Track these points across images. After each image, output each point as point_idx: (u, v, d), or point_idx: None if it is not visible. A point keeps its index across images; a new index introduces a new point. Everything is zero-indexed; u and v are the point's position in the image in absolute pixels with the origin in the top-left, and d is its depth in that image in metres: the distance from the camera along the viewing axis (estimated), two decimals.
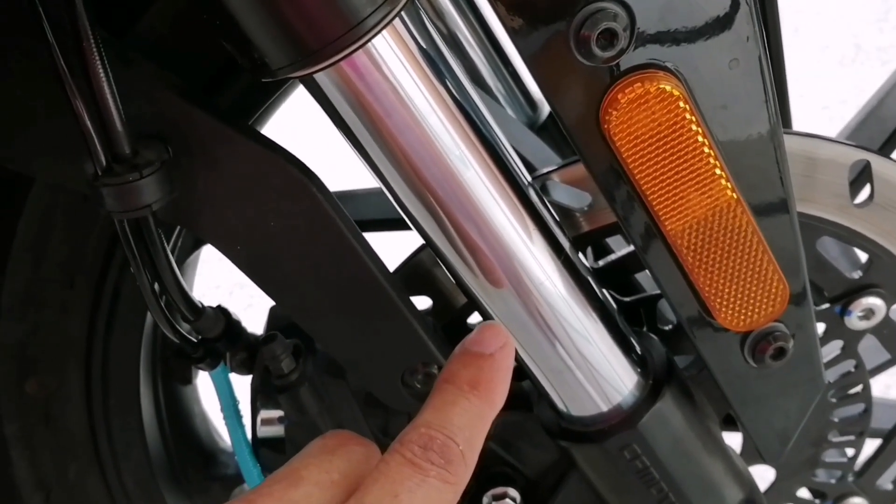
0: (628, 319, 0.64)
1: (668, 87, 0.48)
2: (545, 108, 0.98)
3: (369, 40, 0.44)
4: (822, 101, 2.01)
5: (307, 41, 0.42)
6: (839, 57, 2.12)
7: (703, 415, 0.64)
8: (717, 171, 0.51)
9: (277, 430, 0.67)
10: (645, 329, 0.68)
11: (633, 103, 0.48)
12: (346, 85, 0.47)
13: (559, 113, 0.50)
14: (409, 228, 0.56)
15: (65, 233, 0.63)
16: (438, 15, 0.97)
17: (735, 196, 0.52)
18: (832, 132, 2.02)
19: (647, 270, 0.58)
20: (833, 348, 0.71)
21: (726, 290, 0.55)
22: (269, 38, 0.43)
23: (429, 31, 0.50)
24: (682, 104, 0.48)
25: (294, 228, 0.54)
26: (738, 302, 0.56)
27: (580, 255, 0.60)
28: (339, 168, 0.85)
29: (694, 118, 0.49)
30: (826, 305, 0.68)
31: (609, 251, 0.70)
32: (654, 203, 0.51)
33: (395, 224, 0.69)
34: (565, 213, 0.62)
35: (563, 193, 0.63)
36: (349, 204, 0.57)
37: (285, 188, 0.53)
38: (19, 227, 0.61)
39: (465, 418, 0.44)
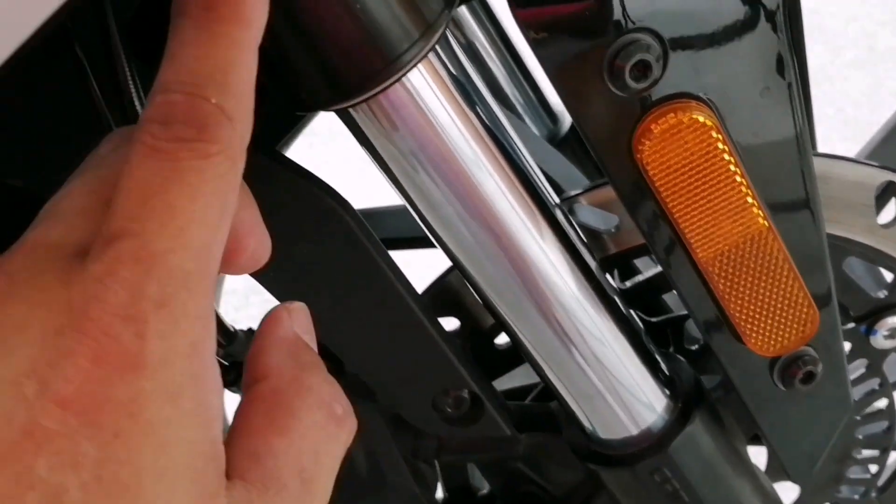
0: (655, 340, 0.64)
1: (701, 118, 0.48)
2: (566, 121, 0.98)
3: (405, 74, 0.44)
4: (837, 104, 2.00)
5: (344, 76, 0.43)
6: (853, 58, 2.12)
7: (732, 436, 0.64)
8: (749, 200, 0.51)
9: None
10: (672, 349, 0.68)
11: (666, 133, 0.48)
12: (379, 116, 0.47)
13: (590, 141, 0.50)
14: (433, 246, 0.56)
15: None
16: (456, 24, 0.97)
17: (766, 224, 0.52)
18: (846, 134, 2.01)
19: (674, 291, 0.58)
20: (858, 367, 0.72)
21: (757, 317, 0.55)
22: (305, 72, 0.43)
23: (458, 56, 0.50)
24: (714, 134, 0.48)
25: (326, 254, 0.54)
26: (769, 328, 0.56)
27: (608, 276, 0.60)
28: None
29: (726, 147, 0.49)
30: (852, 325, 0.68)
31: (636, 271, 0.70)
32: (686, 231, 0.51)
33: (419, 242, 0.69)
34: (593, 235, 0.62)
35: (591, 215, 0.63)
36: (372, 221, 0.57)
37: (318, 215, 0.53)
38: None
39: (212, 57, 0.32)
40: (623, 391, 0.60)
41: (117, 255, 0.30)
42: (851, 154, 0.70)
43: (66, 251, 0.32)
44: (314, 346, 0.41)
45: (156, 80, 0.32)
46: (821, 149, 0.72)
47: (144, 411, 0.30)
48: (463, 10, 0.96)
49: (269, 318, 0.39)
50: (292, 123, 0.63)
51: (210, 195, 0.32)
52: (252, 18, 0.33)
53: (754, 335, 0.56)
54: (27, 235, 0.33)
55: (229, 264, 0.35)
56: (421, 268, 0.70)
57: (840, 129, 1.94)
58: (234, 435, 0.36)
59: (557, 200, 0.57)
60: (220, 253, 0.33)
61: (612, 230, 0.63)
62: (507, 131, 0.53)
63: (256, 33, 0.33)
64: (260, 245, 0.38)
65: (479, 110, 0.50)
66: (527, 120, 0.96)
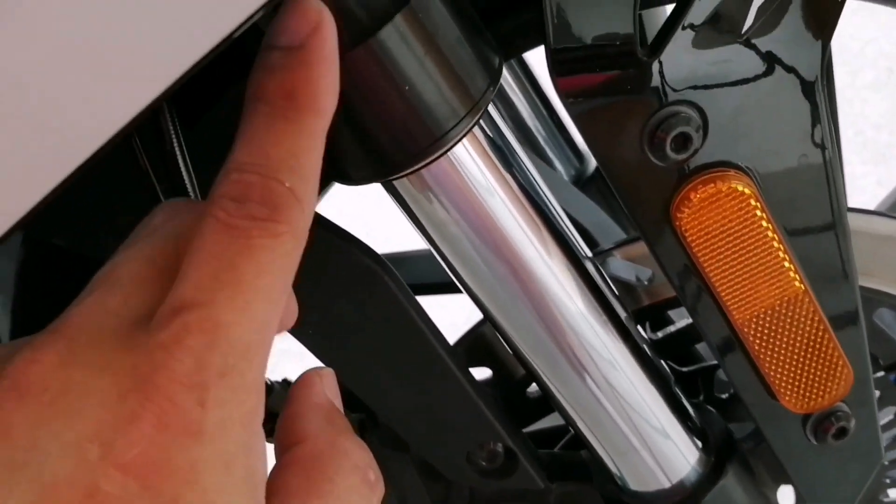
0: (686, 389, 0.64)
1: (739, 187, 0.48)
2: (592, 160, 0.98)
3: (450, 149, 0.45)
4: (856, 127, 2.00)
5: (391, 153, 0.43)
6: (872, 81, 2.12)
7: (763, 486, 0.65)
8: (786, 264, 0.51)
9: None
10: (702, 398, 0.69)
11: (706, 202, 0.49)
12: (422, 187, 0.48)
13: (628, 205, 0.51)
14: (459, 291, 0.57)
15: None
16: None
17: (802, 287, 0.52)
18: (866, 158, 2.00)
19: (705, 342, 0.58)
20: (886, 413, 0.72)
21: (791, 376, 0.55)
22: (352, 149, 0.44)
23: (496, 122, 0.51)
24: (752, 202, 0.49)
25: (365, 314, 0.55)
26: (803, 387, 0.56)
27: (639, 327, 0.61)
28: None
29: (764, 214, 0.50)
30: (881, 373, 0.69)
31: (669, 321, 0.71)
32: (723, 294, 0.52)
33: (449, 287, 0.70)
34: (627, 288, 0.63)
35: (624, 268, 0.64)
36: (402, 266, 0.58)
37: (357, 276, 0.54)
38: None
39: (287, 142, 0.33)
40: (654, 443, 0.60)
41: (185, 324, 0.31)
42: (872, 178, 0.70)
43: (126, 318, 0.33)
44: (342, 409, 0.41)
45: (230, 158, 0.34)
46: None
47: (201, 478, 0.31)
48: None
49: (302, 383, 0.40)
50: (327, 184, 0.64)
51: (276, 272, 0.33)
52: (326, 108, 0.35)
53: (788, 393, 0.57)
54: (83, 300, 0.34)
55: None
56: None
57: (860, 152, 1.94)
58: (272, 498, 0.36)
59: (589, 253, 0.58)
60: (276, 325, 0.34)
61: (646, 283, 0.63)
62: (541, 188, 0.54)
63: (327, 122, 0.35)
64: (288, 312, 0.39)
65: (515, 172, 0.51)
66: (552, 158, 0.97)
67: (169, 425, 0.30)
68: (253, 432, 0.33)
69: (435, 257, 0.54)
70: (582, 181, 0.96)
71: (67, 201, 0.55)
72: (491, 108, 0.50)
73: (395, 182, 0.48)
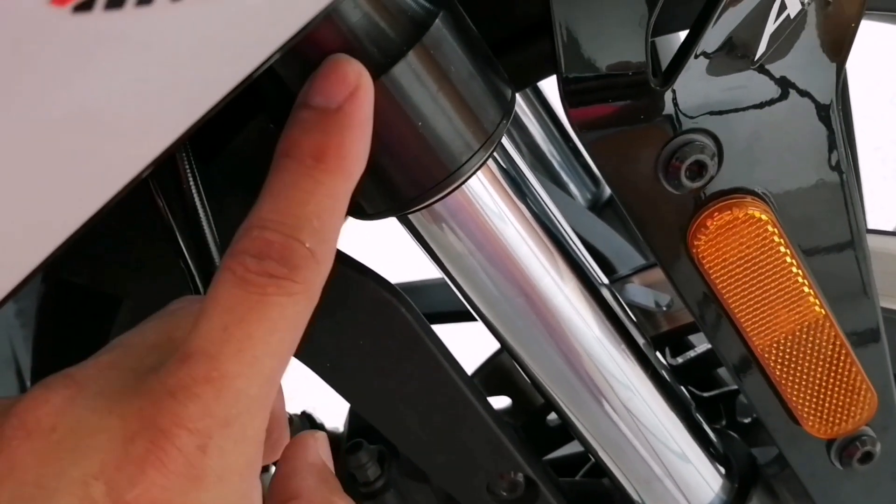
0: (708, 415, 0.64)
1: (756, 213, 0.48)
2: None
3: (464, 183, 0.45)
4: (875, 142, 1.99)
5: (405, 189, 0.43)
6: (890, 95, 2.10)
7: None
8: (806, 290, 0.51)
9: None
10: (724, 423, 0.68)
11: (723, 229, 0.48)
12: (437, 220, 0.48)
13: (644, 233, 0.51)
14: (475, 320, 0.57)
15: None
16: None
17: (823, 311, 0.52)
18: (885, 173, 1.98)
19: (725, 368, 0.58)
20: None
21: (814, 401, 0.55)
22: (365, 184, 0.44)
23: (509, 154, 0.51)
24: (770, 228, 0.49)
25: (383, 347, 0.55)
26: (826, 412, 0.55)
27: (658, 354, 0.60)
28: None
29: (782, 241, 0.49)
30: None
31: (689, 345, 0.70)
32: (742, 320, 0.52)
33: (464, 316, 0.69)
34: (646, 314, 0.63)
35: (642, 294, 0.63)
36: (417, 295, 0.58)
37: (374, 309, 0.54)
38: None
39: (313, 203, 0.33)
40: (677, 471, 0.60)
41: (192, 373, 0.32)
42: (892, 194, 0.69)
43: (138, 373, 0.34)
44: (334, 471, 0.42)
45: (253, 213, 0.34)
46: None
47: None
48: None
49: (297, 444, 0.41)
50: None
51: (286, 330, 0.33)
52: (353, 172, 0.35)
53: (811, 419, 0.56)
54: (98, 357, 0.35)
55: None
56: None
57: (879, 168, 1.93)
58: None
59: (605, 281, 0.57)
60: (280, 381, 0.35)
61: (665, 308, 0.63)
62: (555, 216, 0.53)
63: (353, 185, 0.35)
64: (281, 433, 0.41)
65: (530, 202, 0.51)
66: (568, 182, 0.96)
67: (171, 469, 0.31)
68: (251, 483, 0.34)
69: (451, 287, 0.54)
70: (599, 206, 0.96)
71: (85, 240, 0.55)
72: (504, 138, 0.50)
73: (409, 216, 0.48)
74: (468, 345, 0.76)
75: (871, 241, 0.57)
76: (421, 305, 0.57)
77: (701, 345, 0.68)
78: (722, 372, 0.71)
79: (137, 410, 0.32)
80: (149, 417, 0.31)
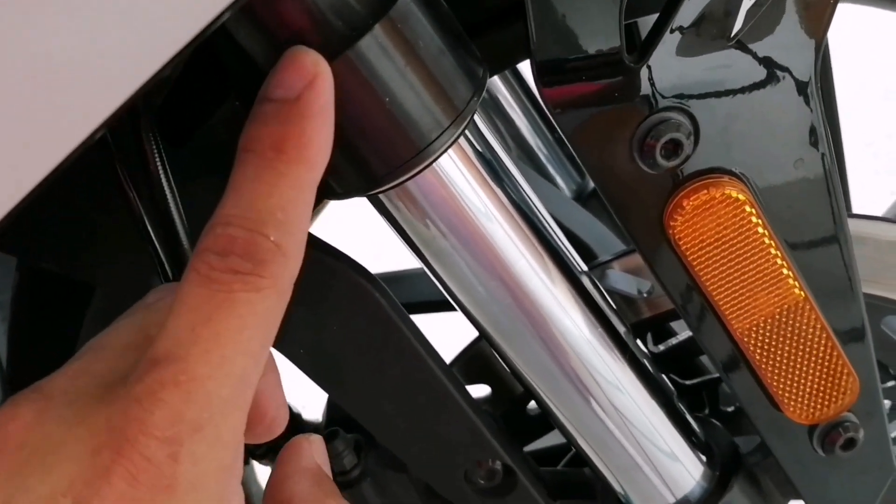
0: (691, 403, 0.63)
1: (733, 193, 0.47)
2: None
3: (435, 161, 0.44)
4: (867, 138, 1.98)
5: (375, 167, 0.43)
6: (882, 91, 2.10)
7: (771, 501, 0.63)
8: (785, 271, 0.50)
9: None
10: (707, 412, 0.67)
11: (699, 209, 0.48)
12: (408, 200, 0.47)
13: (620, 216, 0.50)
14: (455, 310, 0.56)
15: None
16: None
17: (802, 294, 0.51)
18: (878, 168, 1.98)
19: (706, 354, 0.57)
20: None
21: (795, 386, 0.54)
22: (335, 163, 0.43)
23: (483, 135, 0.50)
24: (748, 208, 0.48)
25: (357, 333, 0.54)
26: (807, 397, 0.55)
27: (638, 341, 0.60)
28: None
29: (760, 220, 0.48)
30: (891, 383, 0.67)
31: (671, 332, 0.69)
32: (720, 303, 0.51)
33: (443, 306, 0.69)
34: (627, 301, 0.62)
35: (623, 281, 0.63)
36: (395, 285, 0.57)
37: (349, 295, 0.53)
38: (81, 334, 0.62)
39: (276, 195, 0.33)
40: (658, 459, 0.59)
41: (159, 378, 0.31)
42: (886, 189, 0.69)
43: (109, 379, 0.33)
44: (330, 474, 0.42)
45: (216, 212, 0.33)
46: (850, 183, 0.72)
47: None
48: None
49: (291, 448, 0.40)
50: (318, 201, 0.64)
51: (256, 327, 0.33)
52: (317, 161, 0.34)
53: (792, 404, 0.55)
54: (69, 365, 0.34)
55: (247, 433, 0.36)
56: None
57: (871, 163, 1.92)
58: None
59: (584, 268, 0.56)
60: (256, 380, 0.34)
61: (645, 295, 0.62)
62: (533, 203, 0.53)
63: (318, 174, 0.35)
64: (278, 412, 0.39)
65: (506, 186, 0.50)
66: (553, 173, 0.96)
67: (141, 480, 0.30)
68: (229, 487, 0.33)
69: (427, 274, 0.53)
70: (584, 197, 0.95)
71: (54, 226, 0.55)
72: (481, 122, 0.50)
73: (380, 196, 0.47)
74: (449, 334, 0.75)
75: (854, 225, 0.57)
76: (400, 296, 0.56)
77: (683, 332, 0.67)
78: (705, 360, 0.70)
79: (105, 420, 0.31)
80: (116, 427, 0.31)
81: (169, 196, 0.48)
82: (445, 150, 0.44)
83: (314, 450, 0.41)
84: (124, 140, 0.48)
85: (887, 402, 0.67)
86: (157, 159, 0.48)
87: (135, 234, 0.49)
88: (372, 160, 0.42)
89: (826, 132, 0.49)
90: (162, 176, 0.47)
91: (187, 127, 0.56)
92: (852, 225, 0.53)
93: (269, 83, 0.34)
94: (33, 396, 0.33)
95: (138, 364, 0.32)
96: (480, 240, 0.49)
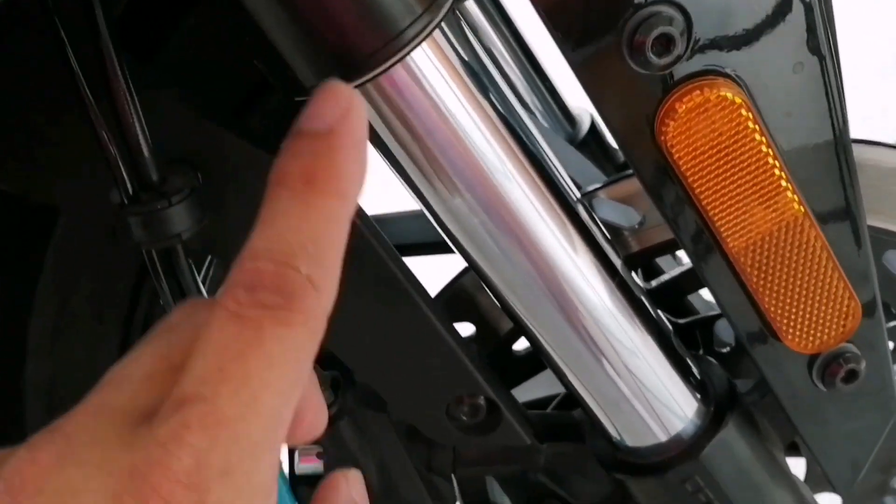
0: (684, 342, 0.60)
1: (729, 95, 0.45)
2: (584, 125, 0.95)
3: (408, 53, 0.41)
4: (864, 112, 1.96)
5: (342, 57, 0.40)
6: (879, 66, 2.08)
7: (768, 442, 0.60)
8: (783, 184, 0.47)
9: (317, 467, 0.64)
10: (702, 352, 0.65)
11: (692, 112, 0.45)
12: (384, 101, 0.44)
13: (611, 124, 0.47)
14: (450, 252, 0.53)
15: (92, 265, 0.61)
16: (472, 29, 0.94)
17: (802, 209, 0.48)
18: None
19: (701, 291, 0.54)
20: None
21: (794, 310, 0.51)
22: (301, 54, 0.40)
23: (470, 43, 0.47)
24: (744, 112, 0.45)
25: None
26: (807, 322, 0.52)
27: (633, 275, 0.57)
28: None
29: (757, 127, 0.46)
30: (894, 323, 0.64)
31: (659, 271, 0.67)
32: (716, 219, 0.48)
33: (436, 248, 0.66)
34: (615, 232, 0.59)
35: (612, 211, 0.60)
36: (388, 227, 0.54)
37: None
38: (46, 262, 0.59)
39: (306, 228, 0.32)
40: (652, 396, 0.56)
41: (185, 420, 0.29)
42: None
43: (131, 416, 0.31)
44: None
45: (246, 246, 0.32)
46: None
47: None
48: (479, 15, 0.94)
49: (329, 484, 0.39)
50: None
51: (287, 364, 0.31)
52: (349, 193, 0.33)
53: (791, 331, 0.52)
54: (90, 398, 0.33)
55: (287, 436, 0.34)
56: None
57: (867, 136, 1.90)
58: None
59: (579, 196, 0.54)
60: (289, 420, 0.32)
61: (636, 226, 0.59)
62: (523, 122, 0.50)
63: (352, 207, 0.33)
64: (317, 417, 0.37)
65: (492, 98, 0.47)
66: (544, 122, 0.93)
67: None
68: None
69: (417, 210, 0.50)
70: (575, 146, 0.93)
71: (8, 143, 0.52)
72: (476, 44, 0.47)
73: None
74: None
75: (855, 150, 0.54)
76: (392, 237, 0.53)
77: (674, 269, 0.64)
78: (694, 299, 0.67)
79: (128, 466, 0.29)
80: (139, 473, 0.29)
81: (130, 108, 0.46)
82: (419, 43, 0.41)
83: (352, 487, 0.39)
84: (85, 50, 0.45)
85: (891, 343, 0.65)
86: (119, 69, 0.45)
87: (94, 148, 0.46)
88: (340, 50, 0.40)
89: (829, 37, 0.46)
90: (123, 88, 0.45)
91: (152, 41, 0.53)
92: (854, 150, 0.51)
93: (303, 115, 0.33)
94: (51, 438, 0.31)
95: (163, 404, 0.30)
96: (463, 149, 0.46)
